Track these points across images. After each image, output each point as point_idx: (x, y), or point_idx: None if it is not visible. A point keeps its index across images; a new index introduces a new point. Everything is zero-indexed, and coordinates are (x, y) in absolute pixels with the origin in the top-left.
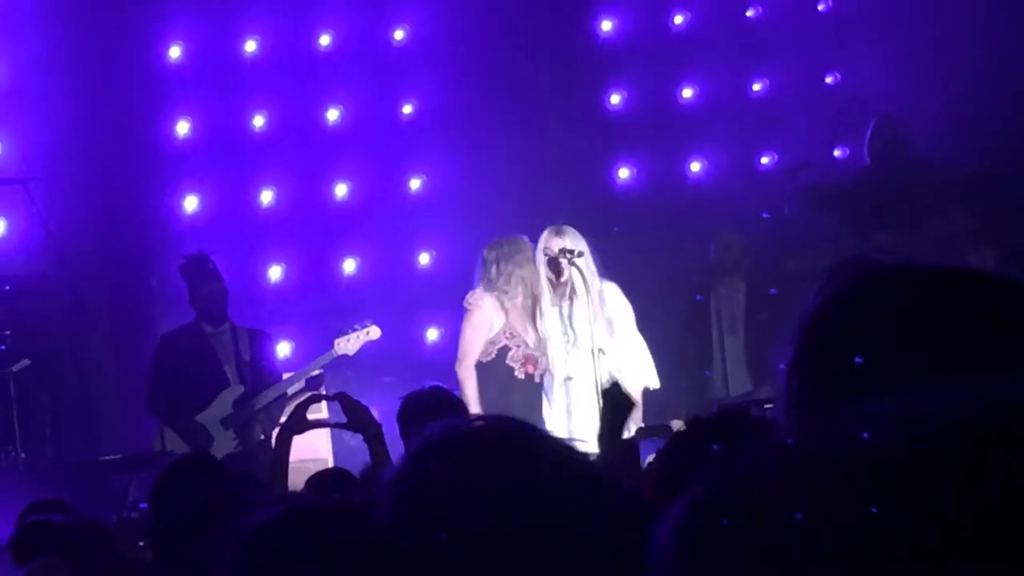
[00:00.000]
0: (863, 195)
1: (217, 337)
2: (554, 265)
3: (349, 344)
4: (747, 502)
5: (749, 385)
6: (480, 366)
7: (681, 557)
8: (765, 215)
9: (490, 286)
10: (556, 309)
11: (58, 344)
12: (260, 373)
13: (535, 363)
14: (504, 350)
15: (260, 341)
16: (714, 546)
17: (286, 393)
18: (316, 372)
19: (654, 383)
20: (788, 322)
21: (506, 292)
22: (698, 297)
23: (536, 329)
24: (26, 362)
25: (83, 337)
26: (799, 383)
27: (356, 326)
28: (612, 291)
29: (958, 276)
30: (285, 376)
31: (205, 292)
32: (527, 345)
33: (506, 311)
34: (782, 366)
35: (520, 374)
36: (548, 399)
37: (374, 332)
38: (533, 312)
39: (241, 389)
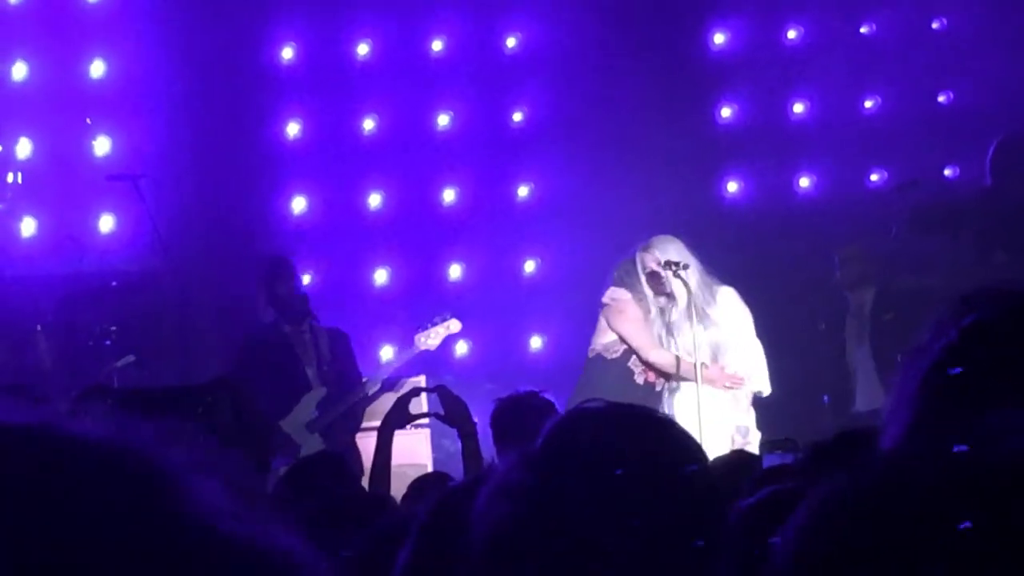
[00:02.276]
0: (981, 215)
1: (297, 337)
2: (654, 278)
3: (429, 339)
4: (863, 516)
5: (881, 399)
6: (604, 363)
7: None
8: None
9: (631, 288)
10: (661, 321)
11: (163, 342)
12: (342, 375)
13: (656, 372)
14: (628, 352)
15: (340, 342)
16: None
17: (367, 395)
18: (397, 375)
19: (766, 389)
20: (914, 335)
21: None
22: (822, 325)
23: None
24: (131, 358)
25: (188, 335)
26: (932, 395)
27: (436, 319)
28: (728, 295)
29: None
30: (365, 379)
31: (281, 293)
32: (655, 357)
33: (643, 314)
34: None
35: (640, 379)
36: (673, 410)
37: (454, 325)
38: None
39: (324, 391)
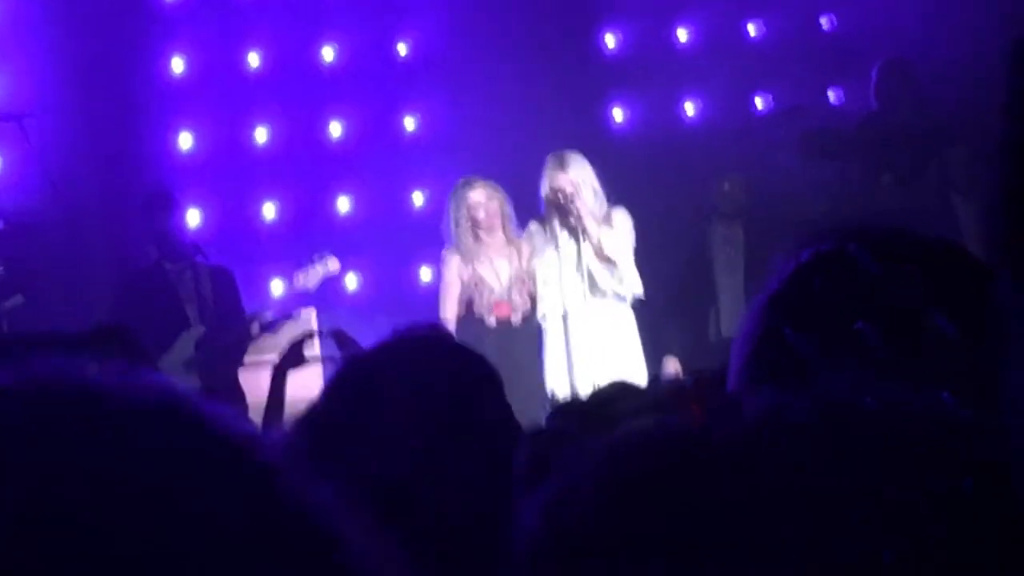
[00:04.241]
0: (868, 140)
1: (178, 275)
2: (556, 207)
3: (307, 278)
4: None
5: None
6: (458, 321)
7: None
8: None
9: (449, 240)
10: (562, 245)
11: (52, 282)
12: (223, 313)
13: (508, 306)
14: (470, 302)
15: (223, 279)
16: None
17: (249, 333)
18: (285, 310)
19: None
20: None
21: (459, 243)
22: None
23: (513, 267)
24: (19, 298)
25: (78, 274)
26: (747, 356)
27: (314, 258)
28: (620, 216)
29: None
30: (251, 315)
31: (163, 227)
32: (492, 290)
33: (470, 260)
34: (736, 337)
35: (491, 321)
36: (546, 341)
37: (332, 264)
38: (506, 248)
39: (202, 330)
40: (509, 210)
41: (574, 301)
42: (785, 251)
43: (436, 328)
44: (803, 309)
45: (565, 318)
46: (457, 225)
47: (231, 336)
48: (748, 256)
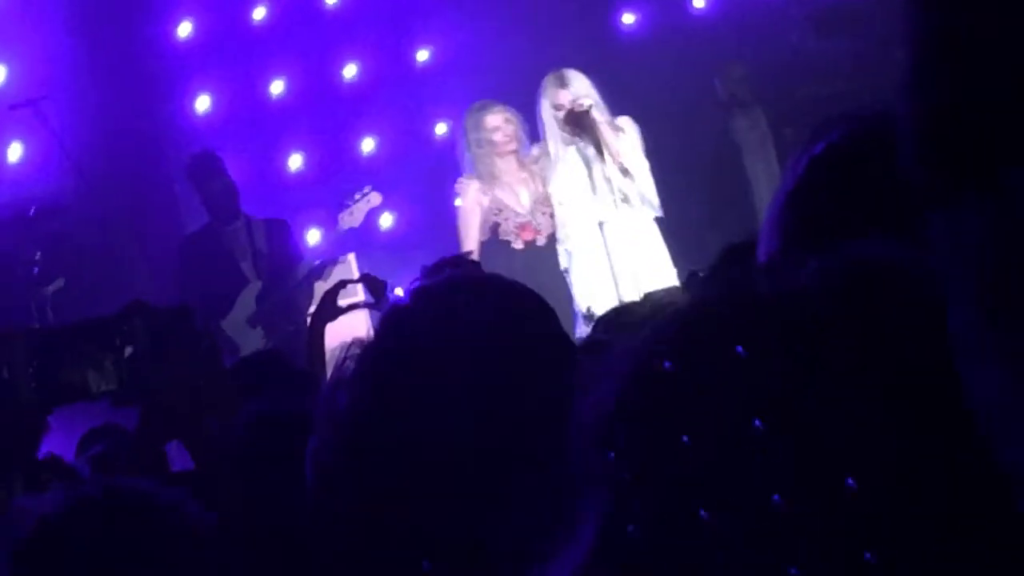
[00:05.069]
0: (880, 13)
1: (231, 235)
2: (570, 122)
3: (353, 216)
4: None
5: None
6: (482, 247)
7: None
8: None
9: (466, 168)
10: (572, 163)
11: (89, 261)
12: (280, 265)
13: (533, 229)
14: (495, 227)
15: (277, 231)
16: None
17: (308, 279)
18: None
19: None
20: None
21: (479, 167)
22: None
23: (531, 190)
24: (60, 282)
25: (114, 251)
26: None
27: (356, 196)
28: (627, 124)
29: None
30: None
31: (212, 189)
32: (517, 214)
33: (490, 186)
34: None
35: (518, 244)
36: (576, 258)
37: (375, 198)
38: (522, 171)
39: (259, 284)
40: (523, 133)
41: (606, 213)
42: (801, 140)
43: (468, 263)
44: (819, 204)
45: (602, 227)
46: (477, 148)
47: (289, 287)
48: (776, 140)
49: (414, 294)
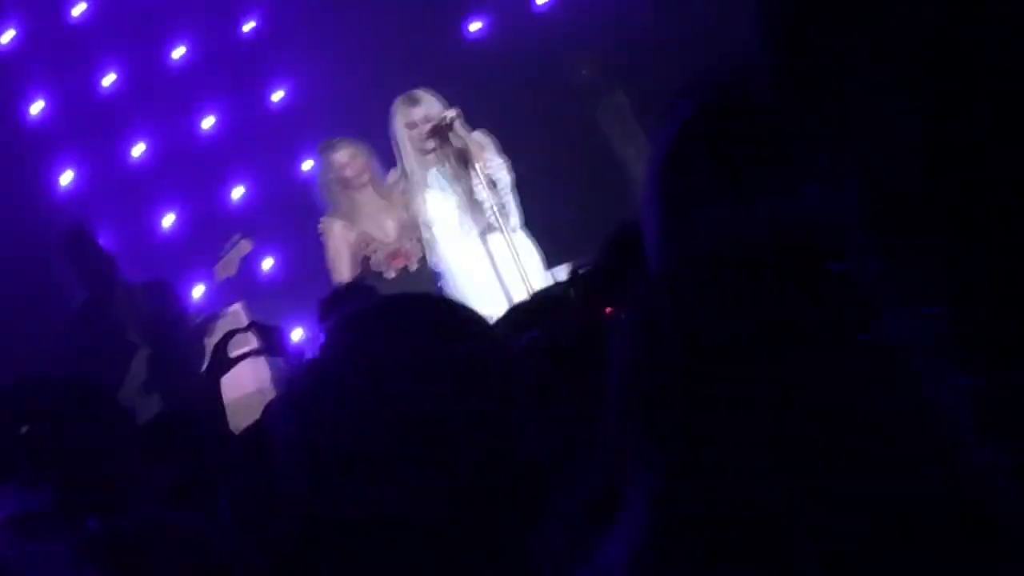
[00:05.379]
0: None
1: (113, 304)
2: (435, 132)
3: (227, 267)
4: None
5: None
6: (354, 282)
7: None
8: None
9: (328, 207)
10: (436, 182)
11: None
12: (165, 327)
13: (403, 255)
14: (365, 260)
15: (158, 293)
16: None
17: (196, 335)
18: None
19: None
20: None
21: (337, 207)
22: None
23: (396, 217)
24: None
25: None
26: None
27: (227, 246)
28: (483, 138)
29: None
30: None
31: (88, 262)
32: (385, 244)
33: (353, 221)
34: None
35: (391, 274)
36: (452, 275)
37: (244, 246)
38: (382, 200)
39: (150, 350)
40: (375, 163)
41: (483, 223)
42: (662, 112)
43: (366, 289)
44: (700, 159)
45: (483, 237)
46: (333, 187)
47: (179, 347)
48: (640, 122)
49: (336, 327)
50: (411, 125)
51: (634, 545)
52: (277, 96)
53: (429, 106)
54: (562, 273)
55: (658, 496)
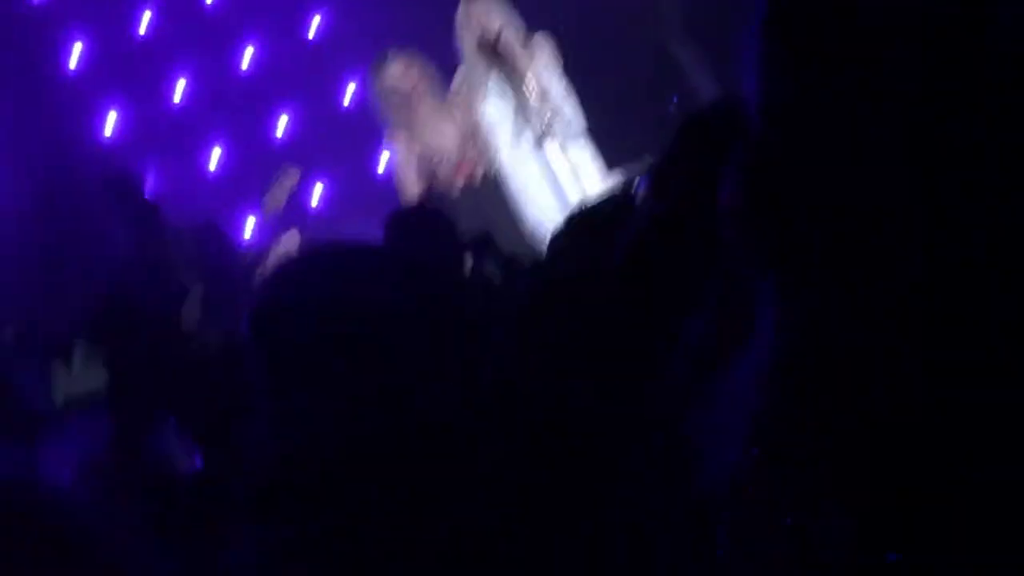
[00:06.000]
0: None
1: (161, 247)
2: (483, 49)
3: (275, 198)
4: None
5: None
6: (427, 195)
7: None
8: None
9: (387, 123)
10: (496, 87)
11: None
12: (217, 263)
13: (470, 164)
14: (433, 172)
15: (207, 235)
16: None
17: (252, 269)
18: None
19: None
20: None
21: (396, 120)
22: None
23: (458, 125)
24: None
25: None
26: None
27: (273, 179)
28: (542, 42)
29: None
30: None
31: (135, 209)
32: (449, 154)
33: (416, 133)
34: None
35: (459, 183)
36: (514, 179)
37: (291, 175)
38: (442, 109)
39: (201, 288)
40: (430, 71)
41: (538, 130)
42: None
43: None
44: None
45: (540, 143)
46: (390, 102)
47: (231, 284)
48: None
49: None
50: (471, 30)
51: (762, 368)
52: (317, 21)
53: (483, 9)
54: (619, 176)
55: (786, 321)
